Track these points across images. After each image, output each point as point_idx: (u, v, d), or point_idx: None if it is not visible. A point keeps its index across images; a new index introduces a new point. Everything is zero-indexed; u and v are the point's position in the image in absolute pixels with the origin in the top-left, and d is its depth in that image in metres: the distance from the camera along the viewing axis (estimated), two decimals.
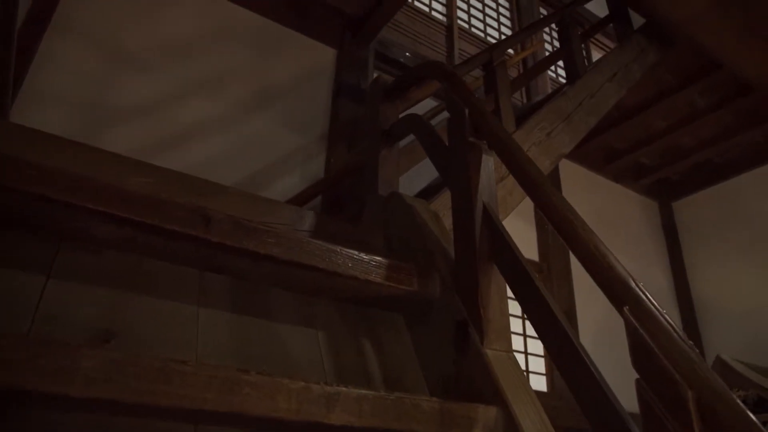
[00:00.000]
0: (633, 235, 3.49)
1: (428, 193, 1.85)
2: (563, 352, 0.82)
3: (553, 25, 3.59)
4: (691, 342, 0.65)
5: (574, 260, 2.86)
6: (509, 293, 0.99)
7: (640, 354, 0.67)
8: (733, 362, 2.44)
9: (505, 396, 0.85)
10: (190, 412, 0.66)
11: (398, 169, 1.64)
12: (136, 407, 0.63)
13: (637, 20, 2.68)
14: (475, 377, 0.93)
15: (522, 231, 2.86)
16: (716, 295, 3.31)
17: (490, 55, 2.13)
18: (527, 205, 1.53)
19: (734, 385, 2.37)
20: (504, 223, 1.07)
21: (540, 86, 3.40)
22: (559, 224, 0.88)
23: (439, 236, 1.20)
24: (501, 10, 3.71)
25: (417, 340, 1.12)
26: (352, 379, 0.97)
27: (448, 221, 1.31)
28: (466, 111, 1.20)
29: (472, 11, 3.49)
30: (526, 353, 2.68)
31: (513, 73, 2.58)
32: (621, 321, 0.72)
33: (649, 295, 0.72)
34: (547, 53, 3.62)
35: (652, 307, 0.70)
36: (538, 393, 0.91)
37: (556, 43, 3.74)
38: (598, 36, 3.84)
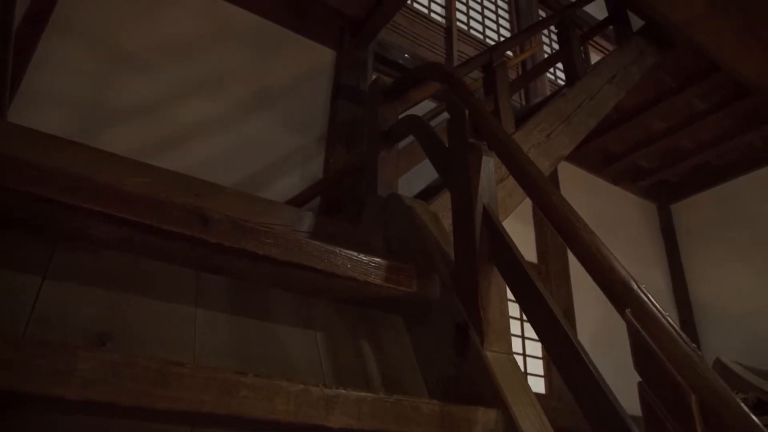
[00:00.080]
0: (632, 237, 3.49)
1: (427, 194, 1.85)
2: (563, 353, 0.81)
3: (552, 28, 3.60)
4: (693, 344, 0.65)
5: (572, 261, 2.86)
6: (509, 295, 0.98)
7: (642, 356, 0.67)
8: (733, 365, 2.44)
9: (505, 398, 0.85)
10: (187, 415, 0.66)
11: (397, 170, 1.64)
12: (133, 409, 0.63)
13: (636, 23, 2.68)
14: (475, 379, 0.92)
15: (520, 232, 2.86)
16: (715, 297, 3.31)
17: (490, 56, 2.13)
18: (525, 206, 1.53)
19: (734, 387, 2.37)
20: (503, 224, 1.07)
21: (539, 89, 3.40)
22: (559, 225, 0.87)
23: (439, 237, 1.20)
24: (500, 12, 3.71)
25: (416, 342, 1.11)
26: (350, 380, 0.96)
27: (447, 222, 1.31)
28: (467, 112, 1.20)
29: (471, 13, 3.49)
30: (524, 355, 2.68)
31: (512, 75, 2.58)
32: (620, 322, 0.72)
33: (651, 297, 0.72)
34: (545, 56, 3.62)
35: (654, 309, 0.69)
36: (536, 395, 0.90)
37: (555, 46, 3.74)
38: (597, 39, 3.84)
